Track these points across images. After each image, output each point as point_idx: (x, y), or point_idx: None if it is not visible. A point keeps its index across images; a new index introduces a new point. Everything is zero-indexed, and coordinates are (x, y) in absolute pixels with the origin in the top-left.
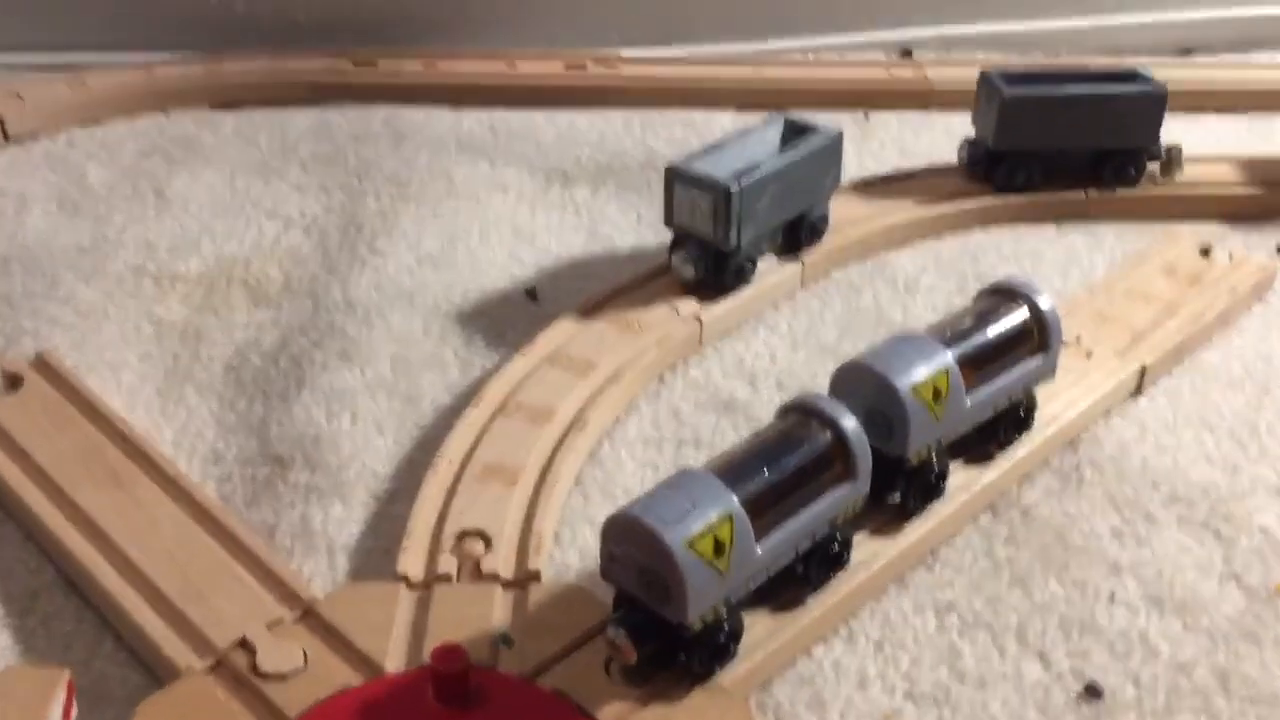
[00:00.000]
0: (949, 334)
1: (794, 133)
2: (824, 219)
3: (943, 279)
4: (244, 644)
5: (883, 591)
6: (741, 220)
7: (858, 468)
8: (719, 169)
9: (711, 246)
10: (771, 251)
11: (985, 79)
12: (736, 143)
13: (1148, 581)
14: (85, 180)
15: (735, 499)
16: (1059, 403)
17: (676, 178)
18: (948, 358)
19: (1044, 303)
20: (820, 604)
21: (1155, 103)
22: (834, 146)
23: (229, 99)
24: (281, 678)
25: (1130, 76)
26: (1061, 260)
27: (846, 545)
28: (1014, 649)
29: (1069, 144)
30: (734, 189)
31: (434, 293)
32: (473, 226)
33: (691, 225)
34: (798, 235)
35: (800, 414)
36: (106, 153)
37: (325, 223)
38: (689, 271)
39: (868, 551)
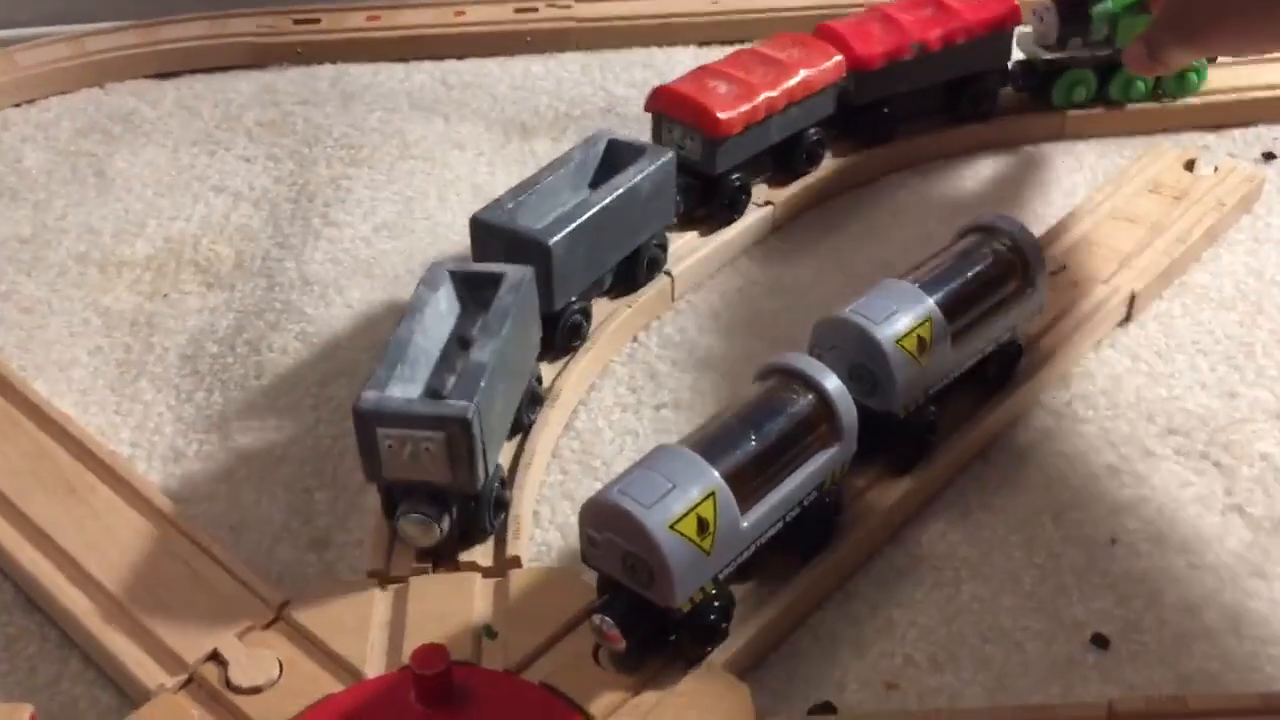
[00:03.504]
0: (929, 277)
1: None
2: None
3: (920, 213)
4: (215, 657)
5: (876, 551)
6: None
7: (844, 428)
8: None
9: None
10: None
11: None
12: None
13: (1149, 520)
14: (22, 165)
15: (717, 474)
16: (1047, 338)
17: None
18: (929, 305)
19: (1026, 238)
20: (812, 571)
21: None
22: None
23: (167, 66)
24: (257, 690)
25: None
26: (1042, 183)
27: (837, 509)
28: (1015, 601)
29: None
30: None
31: (393, 263)
32: (430, 189)
33: None
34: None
35: (781, 376)
36: (42, 133)
37: (276, 194)
38: None
39: (858, 510)
